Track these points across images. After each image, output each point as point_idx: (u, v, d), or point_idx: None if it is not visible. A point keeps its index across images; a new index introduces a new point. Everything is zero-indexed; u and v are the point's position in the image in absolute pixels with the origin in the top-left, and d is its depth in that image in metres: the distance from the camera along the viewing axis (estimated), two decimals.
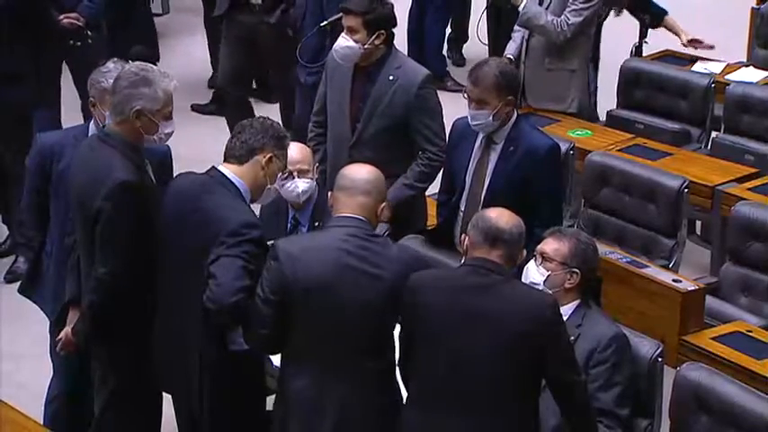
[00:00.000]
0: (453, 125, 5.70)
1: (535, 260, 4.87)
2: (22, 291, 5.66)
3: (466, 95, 5.46)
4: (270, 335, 4.49)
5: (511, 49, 7.35)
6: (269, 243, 4.62)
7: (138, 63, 4.96)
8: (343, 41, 5.86)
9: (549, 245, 4.87)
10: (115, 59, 5.29)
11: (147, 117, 4.82)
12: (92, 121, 5.31)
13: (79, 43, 7.63)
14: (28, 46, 7.15)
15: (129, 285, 4.81)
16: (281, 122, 5.68)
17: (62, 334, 5.12)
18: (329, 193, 4.62)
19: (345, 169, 4.65)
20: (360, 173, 4.58)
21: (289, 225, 5.63)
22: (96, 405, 5.12)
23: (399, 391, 4.54)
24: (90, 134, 5.22)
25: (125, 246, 4.80)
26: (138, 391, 5.03)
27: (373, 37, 5.81)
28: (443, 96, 6.23)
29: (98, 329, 4.90)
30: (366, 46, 5.82)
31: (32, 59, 7.10)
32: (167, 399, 5.06)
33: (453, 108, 6.12)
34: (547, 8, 7.13)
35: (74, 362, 5.37)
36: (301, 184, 5.49)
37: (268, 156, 4.68)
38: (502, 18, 7.63)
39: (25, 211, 5.65)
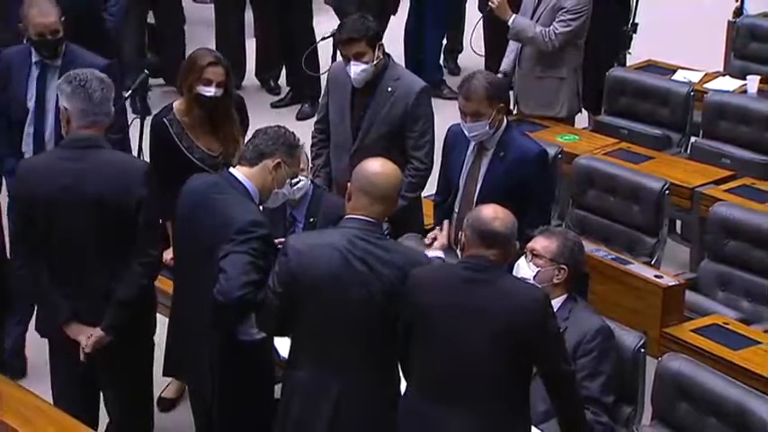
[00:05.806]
0: (449, 131, 5.79)
1: (525, 257, 4.96)
2: None
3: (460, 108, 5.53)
4: (278, 324, 4.61)
5: (504, 65, 7.44)
6: (276, 241, 4.75)
7: (85, 71, 4.98)
8: (357, 68, 5.93)
9: (539, 242, 4.96)
10: None
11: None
12: None
13: None
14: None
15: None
16: None
17: (86, 340, 4.94)
18: (349, 184, 4.61)
19: (372, 168, 4.59)
20: (387, 181, 4.57)
21: (286, 222, 5.70)
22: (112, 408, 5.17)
23: (399, 385, 4.58)
24: None
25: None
26: (148, 385, 5.20)
27: (377, 51, 5.92)
28: (440, 104, 6.25)
29: (134, 318, 4.93)
30: (375, 62, 5.92)
31: None
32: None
33: (450, 114, 6.19)
34: (537, 20, 7.20)
35: None
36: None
37: (276, 161, 4.78)
38: (497, 29, 7.71)
39: None
